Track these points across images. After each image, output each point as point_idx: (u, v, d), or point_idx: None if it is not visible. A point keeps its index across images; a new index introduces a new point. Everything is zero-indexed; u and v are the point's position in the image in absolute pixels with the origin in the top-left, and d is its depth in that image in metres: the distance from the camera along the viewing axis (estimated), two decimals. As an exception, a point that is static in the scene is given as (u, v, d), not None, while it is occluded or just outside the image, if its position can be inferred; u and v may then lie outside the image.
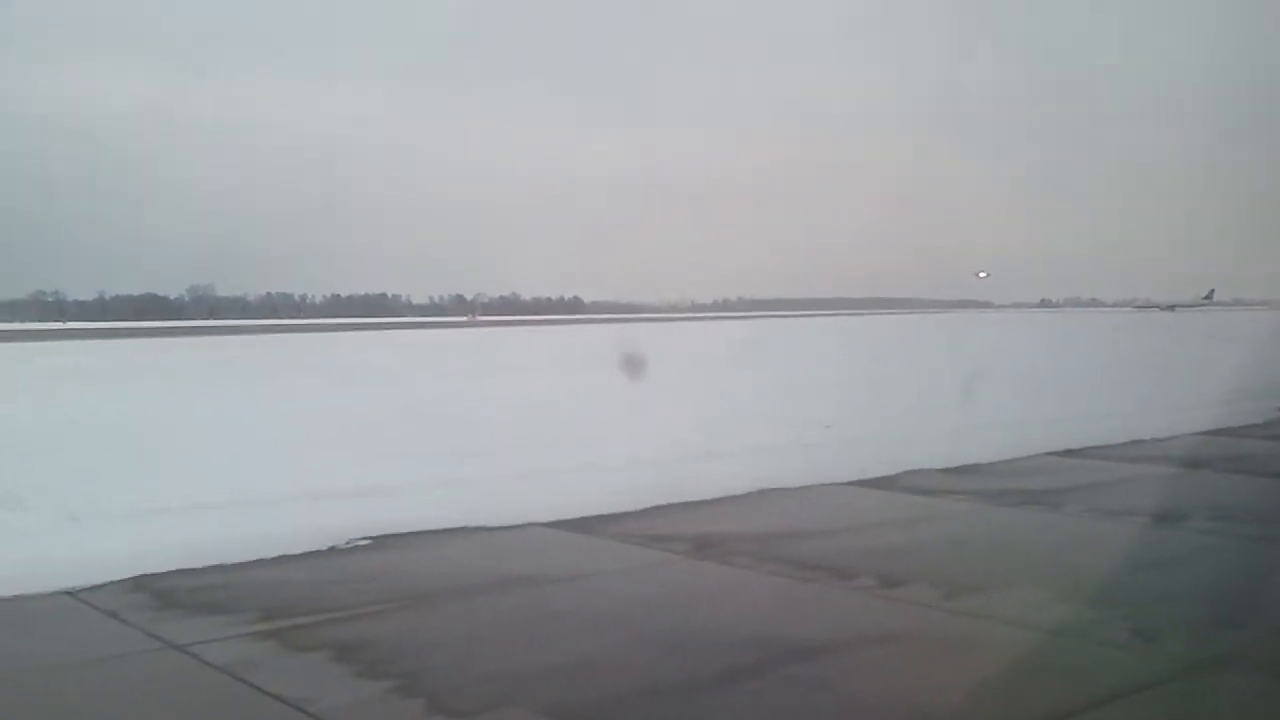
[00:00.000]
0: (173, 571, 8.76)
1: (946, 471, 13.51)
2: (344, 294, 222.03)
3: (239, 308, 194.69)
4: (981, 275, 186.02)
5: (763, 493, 12.18)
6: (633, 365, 16.89)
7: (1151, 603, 7.74)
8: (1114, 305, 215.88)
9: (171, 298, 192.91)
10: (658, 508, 11.30)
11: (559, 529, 10.49)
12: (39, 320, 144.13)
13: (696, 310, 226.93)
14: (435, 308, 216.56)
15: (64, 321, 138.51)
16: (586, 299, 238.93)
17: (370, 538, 9.99)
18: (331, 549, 9.65)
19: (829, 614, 7.71)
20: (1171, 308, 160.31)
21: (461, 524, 10.49)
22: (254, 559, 9.17)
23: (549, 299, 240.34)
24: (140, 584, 8.43)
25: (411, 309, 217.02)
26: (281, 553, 9.37)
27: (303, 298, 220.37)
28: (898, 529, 10.52)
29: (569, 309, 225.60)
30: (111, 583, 8.42)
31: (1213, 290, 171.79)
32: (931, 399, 20.99)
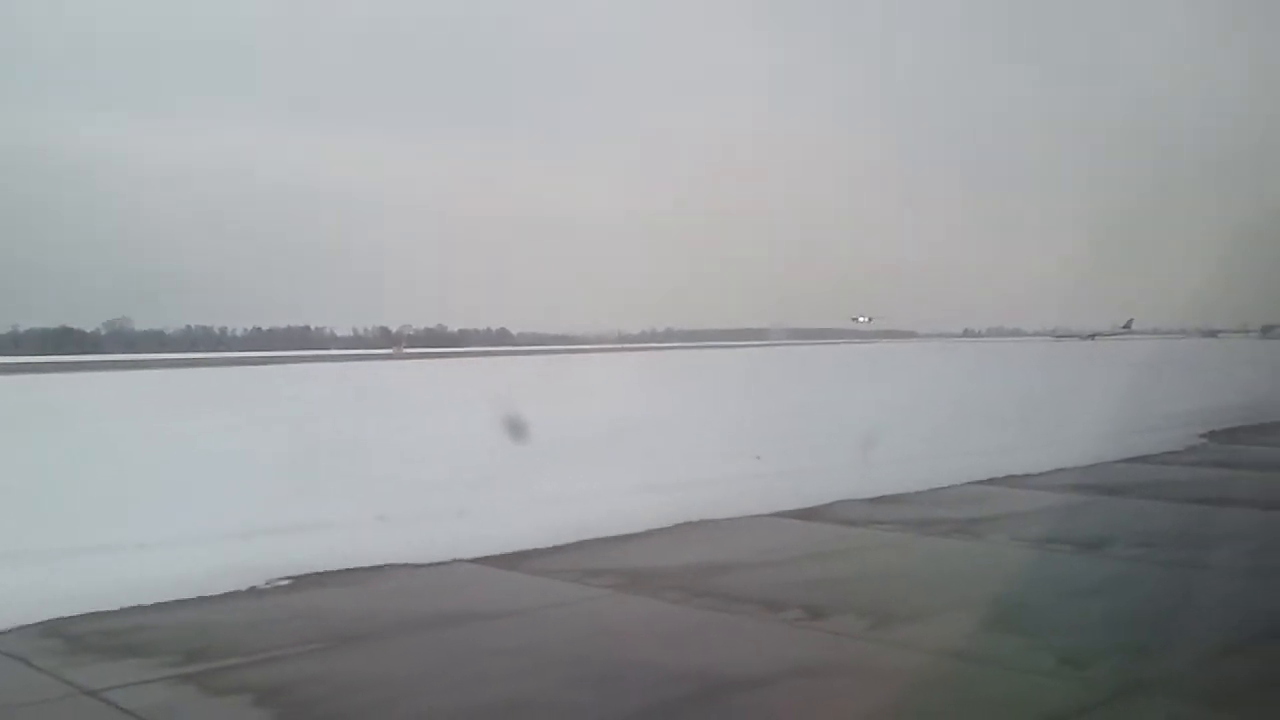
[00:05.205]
0: (86, 614, 8.46)
1: (872, 501, 13.61)
2: (265, 327, 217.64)
3: (157, 341, 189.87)
4: (861, 320, 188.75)
5: (691, 525, 12.15)
6: (514, 428, 16.76)
7: (1077, 630, 7.85)
8: (1035, 334, 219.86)
9: (88, 331, 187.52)
10: (585, 542, 11.21)
11: (486, 565, 10.36)
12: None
13: (624, 340, 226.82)
14: (359, 340, 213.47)
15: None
16: (514, 330, 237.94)
17: (292, 577, 9.75)
18: (252, 589, 9.40)
19: (760, 646, 7.71)
20: (1091, 336, 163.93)
21: (386, 561, 10.31)
22: (172, 600, 8.90)
23: (476, 330, 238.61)
24: (51, 628, 8.13)
25: (335, 341, 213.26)
26: (200, 593, 9.10)
27: (223, 330, 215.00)
28: (826, 560, 10.57)
29: (496, 340, 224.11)
30: (20, 627, 8.10)
31: (1131, 320, 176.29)
32: (854, 429, 21.15)
